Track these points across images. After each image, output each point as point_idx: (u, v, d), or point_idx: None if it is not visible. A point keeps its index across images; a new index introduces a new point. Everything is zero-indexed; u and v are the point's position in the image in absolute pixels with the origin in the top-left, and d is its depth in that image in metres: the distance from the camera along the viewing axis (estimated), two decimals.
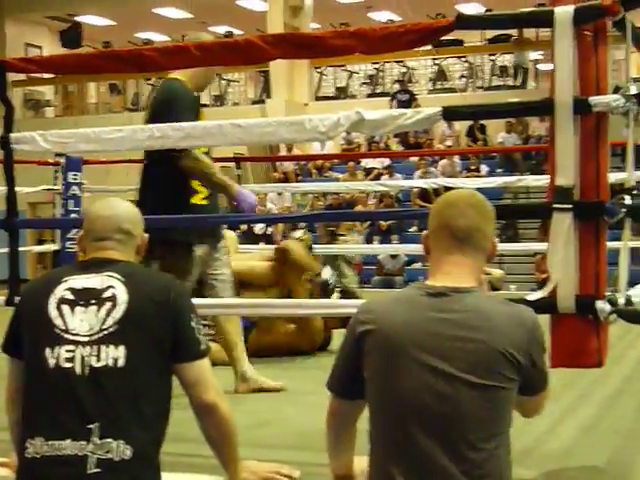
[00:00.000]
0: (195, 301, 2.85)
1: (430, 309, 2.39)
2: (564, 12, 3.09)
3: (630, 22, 3.18)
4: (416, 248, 11.90)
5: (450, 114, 3.28)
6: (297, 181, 17.76)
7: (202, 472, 3.07)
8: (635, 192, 3.08)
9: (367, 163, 18.02)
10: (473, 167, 16.72)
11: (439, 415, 2.30)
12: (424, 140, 18.27)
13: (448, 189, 13.40)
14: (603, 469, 3.12)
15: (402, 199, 16.65)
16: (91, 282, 2.71)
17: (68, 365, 2.58)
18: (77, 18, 22.98)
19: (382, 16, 22.68)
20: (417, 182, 13.52)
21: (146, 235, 2.94)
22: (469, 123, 18.03)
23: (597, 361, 3.14)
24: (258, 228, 15.90)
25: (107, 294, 2.68)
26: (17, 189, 9.75)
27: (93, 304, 2.66)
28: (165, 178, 4.59)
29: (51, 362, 2.60)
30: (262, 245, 14.19)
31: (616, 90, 3.09)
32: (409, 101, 18.61)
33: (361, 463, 2.65)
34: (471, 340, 2.32)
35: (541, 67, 21.04)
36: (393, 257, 15.01)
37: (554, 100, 3.11)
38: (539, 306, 3.04)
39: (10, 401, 2.84)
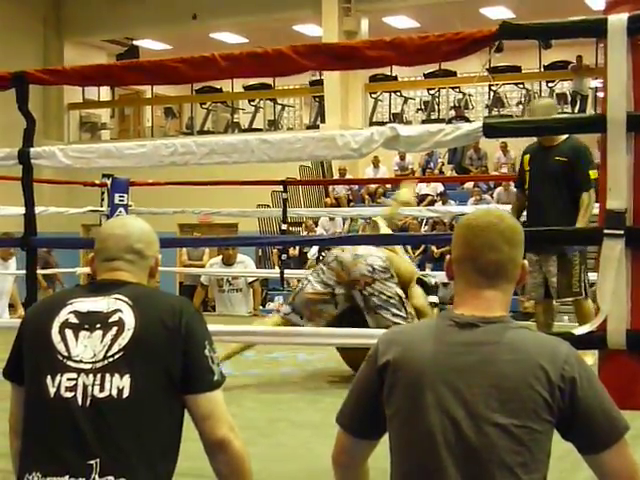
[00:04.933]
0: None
1: (458, 341, 2.15)
2: (618, 21, 2.84)
3: None
4: None
5: (492, 130, 3.04)
6: (349, 207, 17.58)
7: None
8: None
9: (420, 189, 17.79)
10: None
11: (465, 458, 2.05)
12: (478, 167, 18.02)
13: None
14: None
15: None
16: (97, 305, 2.49)
17: (69, 395, 2.37)
18: (135, 42, 23.16)
19: None
20: (470, 208, 13.24)
21: (160, 256, 2.73)
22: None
23: None
24: (311, 254, 15.70)
25: (113, 318, 2.46)
26: (63, 209, 9.83)
27: (98, 329, 2.44)
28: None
29: (51, 391, 2.38)
30: (302, 270, 14.00)
31: None
32: None
33: None
34: (500, 376, 2.08)
35: (601, 95, 20.68)
36: (445, 285, 14.67)
37: (606, 116, 2.87)
38: (587, 340, 2.80)
39: (12, 430, 2.63)
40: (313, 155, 3.16)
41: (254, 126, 21.65)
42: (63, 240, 7.94)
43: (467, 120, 18.74)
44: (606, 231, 2.85)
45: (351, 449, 2.36)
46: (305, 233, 15.75)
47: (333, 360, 6.48)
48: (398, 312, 5.76)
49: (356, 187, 18.86)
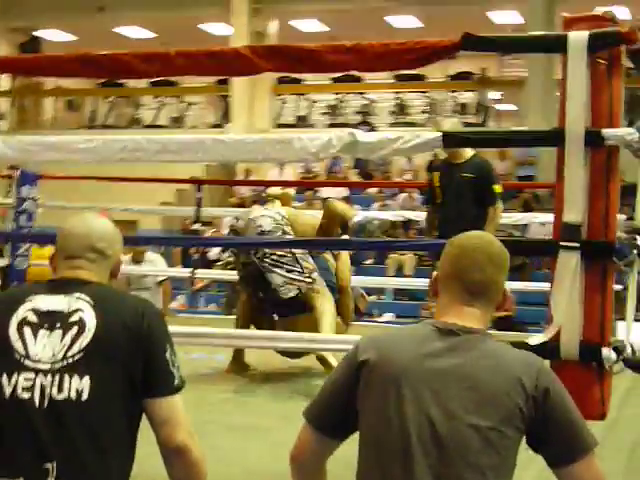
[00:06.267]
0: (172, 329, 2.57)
1: (438, 346, 2.22)
2: (579, 37, 2.90)
3: None
4: (372, 280, 11.76)
5: (451, 140, 3.07)
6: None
7: None
8: None
9: (325, 193, 17.81)
10: None
11: (437, 456, 2.11)
12: (382, 173, 18.17)
13: (406, 221, 13.35)
14: None
15: (358, 230, 16.41)
16: (57, 304, 2.44)
17: (26, 395, 2.31)
18: (38, 32, 22.60)
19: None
20: (373, 213, 13.42)
21: (122, 256, 2.67)
22: (429, 158, 17.95)
23: (600, 413, 2.94)
24: (213, 253, 15.58)
25: (74, 318, 2.41)
26: None
27: (58, 328, 2.40)
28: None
29: (7, 391, 2.33)
30: (213, 270, 13.93)
31: (630, 124, 2.92)
32: None
33: None
34: (477, 381, 2.16)
35: (500, 107, 21.11)
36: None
37: (564, 130, 2.92)
38: (540, 350, 2.84)
39: None
40: (270, 157, 3.13)
41: (158, 122, 21.41)
42: None
43: (372, 126, 18.91)
44: (562, 243, 2.91)
45: (314, 447, 2.38)
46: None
47: (251, 361, 6.51)
48: (293, 268, 6.19)
49: (261, 188, 18.78)
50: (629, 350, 2.90)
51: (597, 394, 2.93)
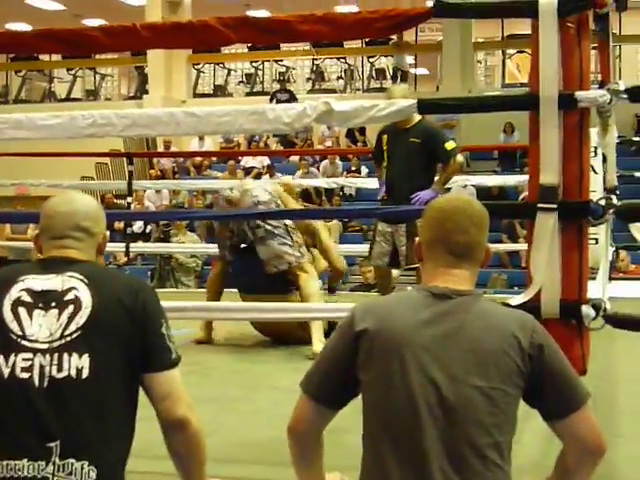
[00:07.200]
0: (167, 304, 2.58)
1: (434, 311, 2.25)
2: (549, 2, 2.96)
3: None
4: None
5: (425, 107, 3.11)
6: (175, 179, 17.37)
7: None
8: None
9: (247, 162, 17.77)
10: (354, 168, 16.72)
11: (444, 419, 2.15)
12: (303, 140, 18.19)
13: (329, 190, 13.40)
14: None
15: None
16: (51, 283, 2.42)
17: (25, 375, 2.30)
18: None
19: (260, 15, 22.37)
20: (300, 181, 13.39)
21: (107, 233, 2.66)
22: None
23: (581, 369, 3.02)
24: (137, 227, 15.42)
25: (69, 297, 2.40)
26: None
27: (53, 307, 2.38)
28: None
29: (5, 371, 2.31)
30: (140, 244, 13.84)
31: (601, 85, 2.99)
32: (289, 101, 18.36)
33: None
34: (476, 341, 2.20)
35: (416, 71, 21.27)
36: None
37: (538, 94, 2.98)
38: (521, 310, 2.91)
39: None
40: (242, 129, 3.12)
41: (72, 96, 21.05)
42: None
43: (291, 93, 18.88)
44: (540, 205, 2.98)
45: (313, 418, 2.40)
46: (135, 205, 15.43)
47: (200, 334, 6.52)
48: (284, 241, 6.22)
49: (181, 159, 18.65)
50: (606, 306, 2.99)
51: (578, 351, 3.01)
